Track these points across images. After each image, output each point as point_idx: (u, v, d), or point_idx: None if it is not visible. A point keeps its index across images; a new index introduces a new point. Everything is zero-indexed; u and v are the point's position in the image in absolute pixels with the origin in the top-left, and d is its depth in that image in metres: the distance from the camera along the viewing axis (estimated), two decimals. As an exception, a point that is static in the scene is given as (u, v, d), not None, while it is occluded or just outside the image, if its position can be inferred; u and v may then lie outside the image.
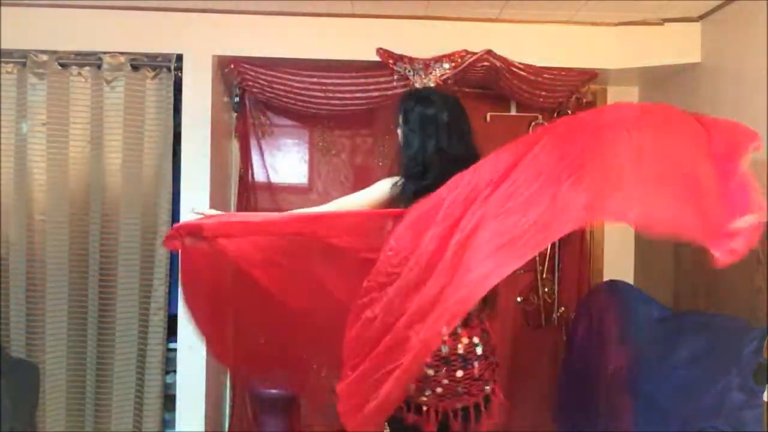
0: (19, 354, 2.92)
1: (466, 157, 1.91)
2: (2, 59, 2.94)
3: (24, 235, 2.95)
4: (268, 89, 3.12)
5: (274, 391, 3.23)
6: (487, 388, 1.90)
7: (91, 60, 2.99)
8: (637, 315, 2.75)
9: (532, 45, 3.05)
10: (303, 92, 3.09)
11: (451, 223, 1.65)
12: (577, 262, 3.52)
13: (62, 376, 2.99)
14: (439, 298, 1.59)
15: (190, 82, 2.99)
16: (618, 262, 3.50)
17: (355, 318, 1.78)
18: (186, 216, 2.98)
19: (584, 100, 3.39)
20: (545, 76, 3.06)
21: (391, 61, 2.99)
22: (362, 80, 3.06)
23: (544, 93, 3.14)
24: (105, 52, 2.98)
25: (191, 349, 2.94)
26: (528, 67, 3.02)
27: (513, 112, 3.50)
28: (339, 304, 1.89)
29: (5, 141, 2.96)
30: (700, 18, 2.95)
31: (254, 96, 3.30)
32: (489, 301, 1.95)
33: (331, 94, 3.08)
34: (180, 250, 2.05)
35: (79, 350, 3.02)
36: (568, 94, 3.23)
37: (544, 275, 3.51)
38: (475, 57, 2.98)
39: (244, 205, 3.39)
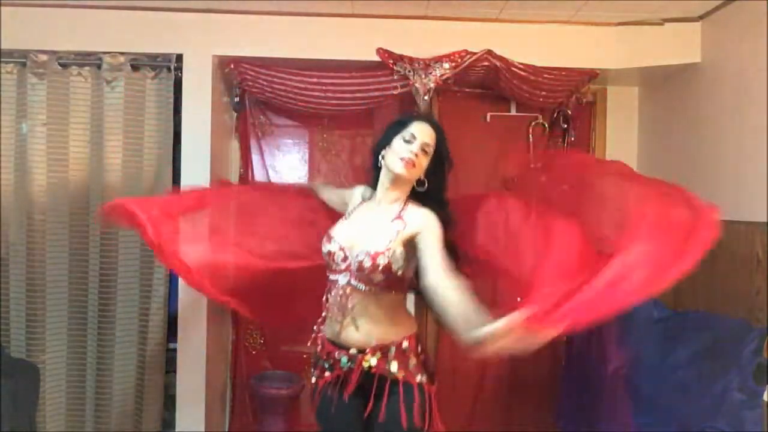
0: (19, 354, 2.92)
1: None
2: (2, 59, 2.94)
3: (24, 235, 2.95)
4: (268, 89, 3.12)
5: (273, 391, 3.23)
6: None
7: (91, 60, 2.99)
8: (637, 315, 2.75)
9: (532, 45, 3.05)
10: (303, 92, 3.09)
11: None
12: (577, 262, 3.51)
13: (62, 376, 2.99)
14: None
15: (190, 82, 2.98)
16: (618, 262, 3.49)
17: None
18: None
19: (584, 100, 3.39)
20: (545, 76, 3.06)
21: (391, 61, 2.99)
22: (362, 80, 3.06)
23: (544, 93, 3.14)
24: (105, 52, 2.98)
25: (191, 349, 2.95)
26: (528, 67, 3.02)
27: (513, 112, 3.49)
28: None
29: (5, 141, 2.96)
30: (700, 18, 2.95)
31: (254, 96, 3.30)
32: None
33: (331, 94, 3.08)
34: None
35: (79, 350, 3.02)
36: (568, 94, 3.23)
37: (544, 275, 3.50)
38: (475, 57, 2.98)
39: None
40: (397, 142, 2.01)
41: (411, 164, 1.97)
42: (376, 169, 2.11)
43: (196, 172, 2.97)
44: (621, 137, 3.50)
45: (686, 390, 2.31)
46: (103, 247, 2.99)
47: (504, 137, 3.46)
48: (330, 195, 2.53)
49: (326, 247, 2.04)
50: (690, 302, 2.90)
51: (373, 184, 2.15)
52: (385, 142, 2.06)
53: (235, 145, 3.44)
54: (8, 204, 2.96)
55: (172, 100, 3.02)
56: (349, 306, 1.98)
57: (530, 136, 3.44)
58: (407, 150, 1.98)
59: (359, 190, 2.25)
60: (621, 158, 3.49)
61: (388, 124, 2.13)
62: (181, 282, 2.97)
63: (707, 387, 2.21)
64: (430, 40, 3.01)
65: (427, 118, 2.13)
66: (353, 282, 1.98)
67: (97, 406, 3.02)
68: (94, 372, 3.01)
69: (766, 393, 2.04)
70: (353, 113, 3.24)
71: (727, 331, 2.30)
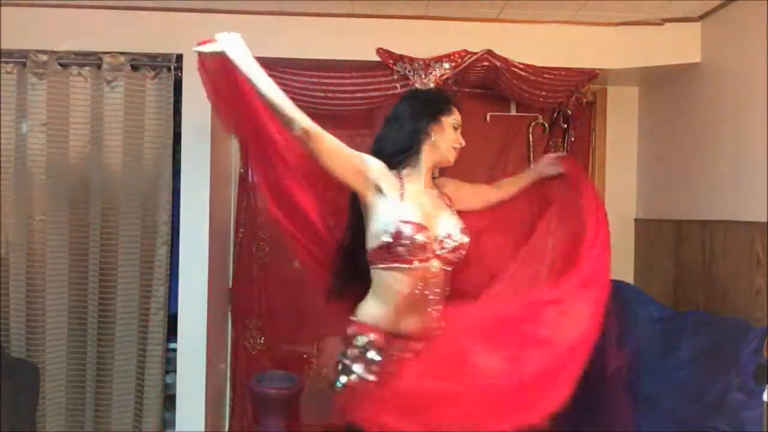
0: (19, 354, 2.92)
1: None
2: (2, 59, 2.94)
3: (24, 235, 2.95)
4: (268, 89, 3.11)
5: (273, 391, 3.23)
6: None
7: (91, 60, 2.99)
8: (637, 315, 2.75)
9: (532, 45, 3.05)
10: (303, 92, 3.08)
11: None
12: (577, 262, 3.51)
13: (62, 376, 2.99)
14: None
15: (190, 82, 2.98)
16: (618, 262, 3.48)
17: None
18: (187, 216, 2.98)
19: (584, 100, 3.39)
20: (545, 76, 3.06)
21: (391, 61, 2.99)
22: (362, 80, 3.05)
23: (544, 93, 3.14)
24: (105, 52, 2.98)
25: (191, 349, 2.95)
26: (528, 67, 3.02)
27: (513, 112, 3.49)
28: None
29: (5, 141, 2.96)
30: (700, 18, 2.95)
31: (254, 96, 3.29)
32: None
33: (331, 94, 3.08)
34: None
35: (79, 350, 3.02)
36: (569, 94, 3.22)
37: (544, 275, 3.50)
38: (475, 57, 2.98)
39: (244, 205, 3.39)
40: (449, 127, 2.01)
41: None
42: (409, 149, 2.00)
43: (196, 172, 2.97)
44: (621, 137, 3.50)
45: (686, 390, 2.31)
46: (103, 247, 2.99)
47: (504, 137, 3.46)
48: (337, 152, 2.10)
49: (420, 237, 1.91)
50: (690, 302, 2.90)
51: (392, 164, 2.02)
52: (430, 120, 2.00)
53: (235, 145, 3.44)
54: (8, 204, 2.95)
55: (172, 100, 3.02)
56: (438, 290, 1.97)
57: (530, 136, 3.44)
58: (458, 140, 2.03)
59: (385, 168, 2.03)
60: (621, 158, 3.52)
61: (427, 99, 2.07)
62: (181, 282, 2.97)
63: (707, 387, 2.21)
64: (430, 40, 3.01)
65: (455, 100, 2.15)
66: (445, 266, 1.98)
67: (97, 406, 3.02)
68: (94, 372, 3.01)
69: (766, 393, 2.04)
70: (353, 113, 3.23)
71: (727, 331, 2.30)
